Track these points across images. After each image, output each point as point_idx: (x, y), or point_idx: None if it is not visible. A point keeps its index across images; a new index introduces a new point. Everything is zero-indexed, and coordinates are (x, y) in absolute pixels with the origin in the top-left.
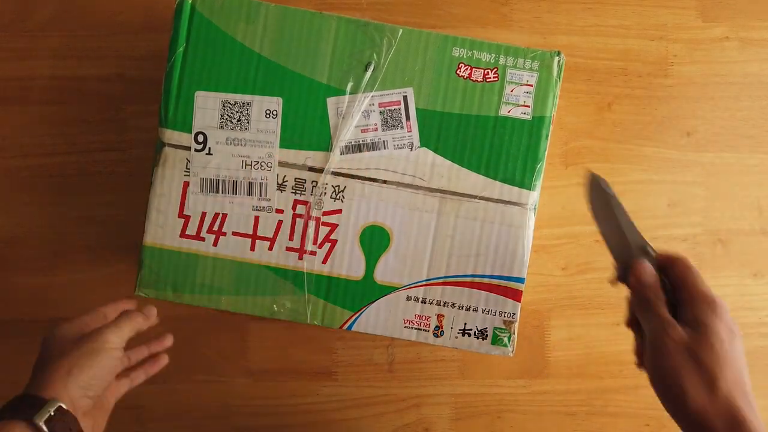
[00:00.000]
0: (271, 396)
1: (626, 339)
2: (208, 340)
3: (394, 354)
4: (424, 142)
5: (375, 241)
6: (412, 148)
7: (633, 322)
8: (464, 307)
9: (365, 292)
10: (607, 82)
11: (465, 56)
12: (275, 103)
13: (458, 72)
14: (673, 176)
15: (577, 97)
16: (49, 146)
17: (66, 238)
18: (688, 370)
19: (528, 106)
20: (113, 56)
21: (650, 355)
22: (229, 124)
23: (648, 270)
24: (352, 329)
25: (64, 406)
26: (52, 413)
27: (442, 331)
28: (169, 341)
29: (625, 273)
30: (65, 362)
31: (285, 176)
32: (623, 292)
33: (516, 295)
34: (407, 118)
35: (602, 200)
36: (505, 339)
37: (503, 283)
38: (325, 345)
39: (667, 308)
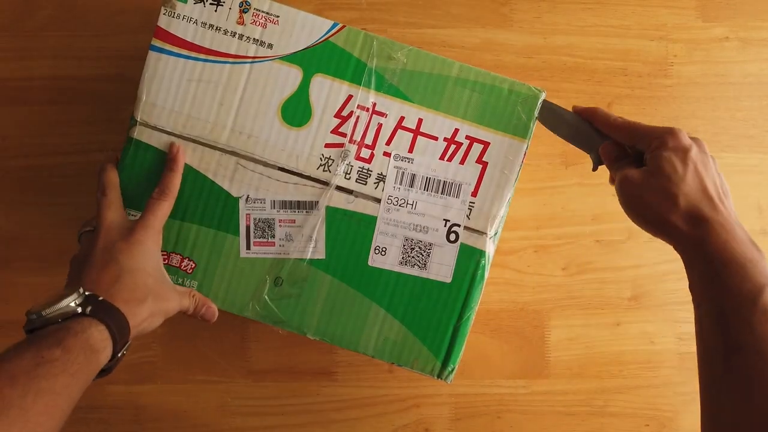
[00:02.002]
0: (271, 396)
1: (626, 339)
2: (208, 340)
3: None
4: None
5: None
6: None
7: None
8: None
9: None
10: (607, 82)
11: None
12: None
13: None
14: None
15: (577, 97)
16: (49, 146)
17: (66, 238)
18: (649, 195)
19: None
20: (113, 56)
21: (620, 194)
22: None
23: (609, 148)
24: None
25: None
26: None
27: None
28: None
29: (598, 158)
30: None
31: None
32: (623, 292)
33: None
34: None
35: (551, 114)
36: None
37: None
38: (325, 345)
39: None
